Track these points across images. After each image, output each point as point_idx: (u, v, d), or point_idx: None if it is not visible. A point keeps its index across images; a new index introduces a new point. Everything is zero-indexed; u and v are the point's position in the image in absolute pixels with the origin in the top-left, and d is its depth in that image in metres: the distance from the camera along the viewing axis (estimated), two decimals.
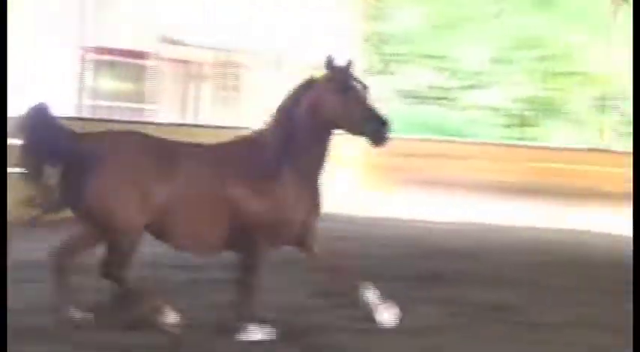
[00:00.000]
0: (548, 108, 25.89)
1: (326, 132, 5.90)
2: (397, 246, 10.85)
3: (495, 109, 25.64)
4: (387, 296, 6.30)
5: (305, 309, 6.97)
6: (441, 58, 25.19)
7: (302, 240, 6.10)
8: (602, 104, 21.11)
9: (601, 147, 14.70)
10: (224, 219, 5.83)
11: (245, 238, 5.88)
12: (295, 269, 8.63)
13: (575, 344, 6.36)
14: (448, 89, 25.79)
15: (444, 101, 25.93)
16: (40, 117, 5.72)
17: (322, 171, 5.99)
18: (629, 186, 13.76)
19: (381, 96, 25.36)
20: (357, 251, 10.11)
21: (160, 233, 5.88)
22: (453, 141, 17.43)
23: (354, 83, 5.80)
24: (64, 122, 5.95)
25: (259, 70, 17.59)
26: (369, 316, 6.36)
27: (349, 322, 6.61)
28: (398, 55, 25.57)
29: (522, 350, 6.16)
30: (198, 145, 6.10)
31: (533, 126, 26.63)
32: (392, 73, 25.49)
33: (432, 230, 12.48)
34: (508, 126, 26.93)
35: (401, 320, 6.29)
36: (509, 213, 13.95)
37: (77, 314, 5.87)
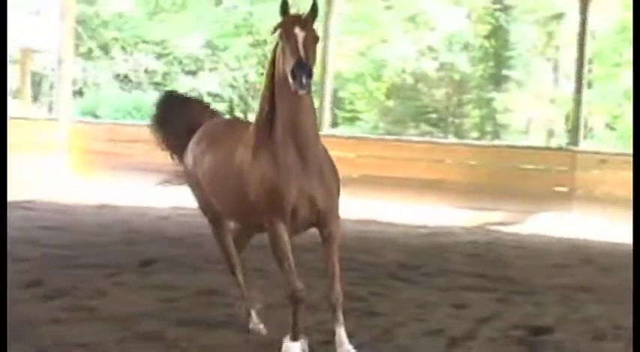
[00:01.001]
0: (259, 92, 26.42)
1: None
2: (112, 233, 10.64)
3: (212, 95, 25.82)
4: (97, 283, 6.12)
5: (18, 300, 6.69)
6: (159, 43, 24.98)
7: (317, 220, 5.51)
8: (316, 89, 21.72)
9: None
10: (238, 193, 5.62)
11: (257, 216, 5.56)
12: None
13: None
14: (166, 74, 25.66)
15: (162, 86, 25.77)
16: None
17: (316, 135, 5.46)
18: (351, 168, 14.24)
19: (97, 81, 24.88)
20: (67, 240, 9.86)
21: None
22: None
23: (296, 30, 5.22)
24: None
25: None
26: (80, 305, 6.29)
27: (60, 313, 6.47)
28: (115, 39, 25.10)
29: (240, 333, 6.20)
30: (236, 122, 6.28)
31: (250, 112, 27.10)
32: (112, 58, 24.97)
33: (145, 216, 12.32)
34: (225, 112, 27.29)
35: (111, 307, 6.19)
36: None
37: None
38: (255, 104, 25.86)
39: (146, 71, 25.32)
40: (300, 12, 5.38)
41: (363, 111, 26.99)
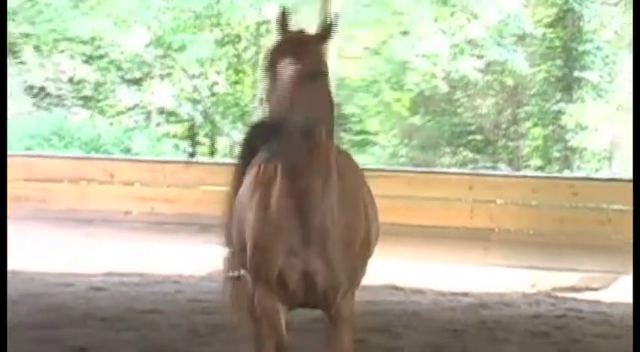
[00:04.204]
0: (232, 108, 26.32)
1: None
2: (21, 312, 10.61)
3: (165, 112, 25.87)
4: None
5: None
6: (88, 41, 24.98)
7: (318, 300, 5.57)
8: None
9: None
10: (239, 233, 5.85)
11: None
12: None
13: None
14: (99, 85, 25.70)
15: (93, 102, 25.82)
16: None
17: (326, 181, 5.38)
18: None
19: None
20: None
21: None
22: (106, 158, 17.32)
23: (284, 63, 5.00)
24: None
25: None
26: None
27: None
28: (27, 36, 25.08)
29: None
30: None
31: (219, 135, 27.12)
32: (22, 63, 24.88)
33: (70, 286, 12.34)
34: (184, 136, 27.27)
35: None
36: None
37: None
38: (226, 125, 25.91)
39: (71, 81, 25.37)
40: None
41: (378, 132, 27.09)
